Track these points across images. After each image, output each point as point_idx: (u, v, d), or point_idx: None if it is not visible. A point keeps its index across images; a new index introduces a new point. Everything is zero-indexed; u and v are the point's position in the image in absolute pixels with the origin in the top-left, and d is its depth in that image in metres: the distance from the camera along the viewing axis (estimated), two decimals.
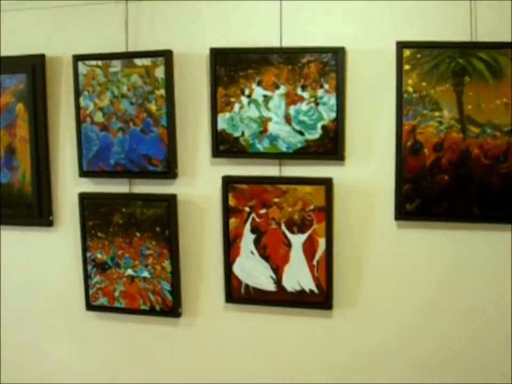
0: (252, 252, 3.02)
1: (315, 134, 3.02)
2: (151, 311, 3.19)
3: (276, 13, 3.07)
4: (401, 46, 2.91)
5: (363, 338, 3.19)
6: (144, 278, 3.12)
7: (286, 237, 3.13)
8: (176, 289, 3.12)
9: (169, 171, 2.98)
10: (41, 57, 3.08)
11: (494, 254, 3.02)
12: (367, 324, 3.18)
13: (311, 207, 3.04)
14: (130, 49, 3.05)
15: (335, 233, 3.08)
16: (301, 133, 3.02)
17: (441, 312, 3.10)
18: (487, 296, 3.05)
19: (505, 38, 2.85)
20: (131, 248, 3.07)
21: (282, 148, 3.05)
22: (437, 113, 2.89)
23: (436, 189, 2.94)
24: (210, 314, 3.13)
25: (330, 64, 2.96)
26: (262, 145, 2.99)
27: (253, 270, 3.04)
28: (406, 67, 2.87)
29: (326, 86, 2.95)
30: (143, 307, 3.18)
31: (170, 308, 3.14)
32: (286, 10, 3.07)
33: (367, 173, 3.07)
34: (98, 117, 3.07)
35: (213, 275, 3.08)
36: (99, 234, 3.13)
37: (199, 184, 3.06)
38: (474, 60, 2.83)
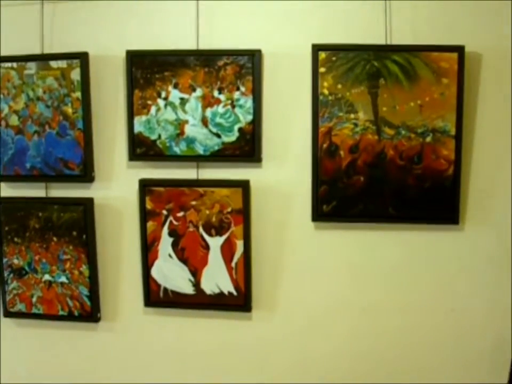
0: (170, 255, 3.02)
1: (232, 137, 3.00)
2: (70, 317, 3.12)
3: (193, 15, 3.05)
4: (316, 48, 2.91)
5: (282, 339, 3.20)
6: (62, 283, 3.07)
7: (204, 240, 3.11)
8: (94, 294, 3.07)
9: (86, 175, 2.94)
10: None
11: (409, 254, 3.07)
12: (286, 325, 3.19)
13: (229, 209, 3.02)
14: (46, 51, 2.99)
15: (252, 235, 3.07)
16: (218, 136, 3.00)
17: (358, 312, 3.13)
18: (402, 295, 3.12)
19: (420, 41, 2.91)
20: (48, 253, 3.03)
21: (199, 150, 3.04)
22: (352, 115, 2.89)
23: (352, 190, 2.95)
24: (129, 319, 3.09)
25: (246, 66, 2.94)
26: (179, 148, 2.99)
27: (171, 273, 3.02)
28: (322, 70, 2.88)
29: (243, 89, 2.93)
30: (61, 312, 3.11)
31: (89, 312, 3.09)
32: (203, 13, 3.05)
33: (284, 175, 3.06)
34: (14, 120, 3.02)
35: (131, 279, 3.04)
36: (15, 239, 3.09)
37: (116, 188, 3.01)
38: (389, 62, 2.84)
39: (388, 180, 2.91)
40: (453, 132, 2.88)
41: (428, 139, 2.87)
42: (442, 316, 3.07)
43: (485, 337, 3.04)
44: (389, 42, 2.90)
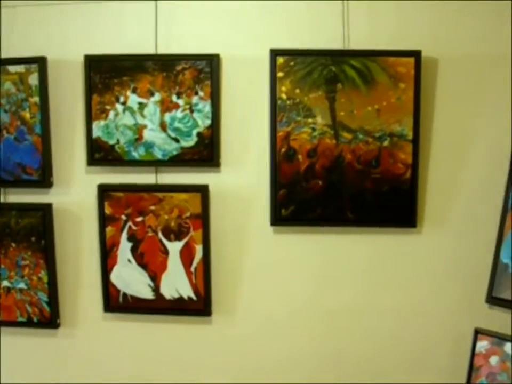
0: (129, 260, 3.00)
1: (190, 141, 3.00)
2: (29, 323, 3.08)
3: (152, 19, 3.05)
4: (274, 53, 2.92)
5: (242, 343, 3.21)
6: (21, 290, 3.03)
7: (163, 245, 3.10)
8: (53, 300, 3.03)
9: (44, 180, 2.92)
10: None
11: (368, 258, 3.09)
12: (246, 329, 3.19)
13: (188, 214, 3.02)
14: (3, 55, 2.93)
15: (212, 239, 3.07)
16: (177, 140, 2.99)
17: (318, 315, 3.15)
18: (362, 299, 3.14)
19: (377, 46, 2.93)
20: (6, 259, 3.00)
21: (158, 155, 3.03)
22: (310, 120, 2.90)
23: (310, 194, 2.95)
24: (89, 324, 3.05)
25: (205, 71, 2.95)
26: (138, 153, 2.97)
27: (130, 278, 2.99)
28: (280, 74, 2.89)
29: (201, 93, 2.94)
30: (20, 319, 3.07)
31: (48, 319, 3.06)
32: (161, 17, 3.06)
33: (242, 179, 3.07)
34: None
35: (90, 284, 3.01)
36: None
37: (74, 193, 2.98)
38: (346, 67, 2.86)
39: (345, 184, 2.92)
40: (410, 136, 2.89)
41: (386, 143, 2.87)
42: (403, 318, 3.11)
43: (446, 338, 3.08)
44: (346, 47, 2.92)
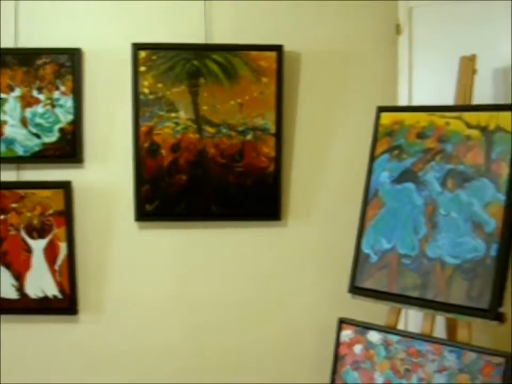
0: None
1: (52, 137, 2.94)
2: None
3: (11, 12, 2.95)
4: (136, 47, 2.89)
5: (110, 340, 3.15)
6: None
7: (26, 243, 3.01)
8: None
9: None
10: None
11: (234, 251, 3.11)
12: (114, 326, 3.14)
13: (51, 211, 2.95)
14: None
15: (76, 237, 3.01)
16: (38, 136, 2.93)
17: (186, 309, 3.15)
18: (230, 291, 3.17)
19: (240, 41, 2.94)
20: None
21: (19, 151, 2.96)
22: (173, 114, 2.89)
23: (175, 189, 2.94)
24: None
25: (66, 65, 2.89)
26: None
27: None
28: (142, 68, 2.86)
29: (63, 88, 2.88)
30: None
31: None
32: (22, 10, 2.98)
33: (106, 175, 3.02)
34: None
35: None
36: None
37: None
38: (209, 61, 2.85)
39: (209, 178, 2.93)
40: (273, 129, 2.90)
41: (249, 137, 2.88)
42: (270, 309, 3.14)
43: (311, 329, 3.14)
44: (209, 42, 2.88)
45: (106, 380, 3.07)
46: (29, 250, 3.02)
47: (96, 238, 3.05)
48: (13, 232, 3.02)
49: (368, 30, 2.90)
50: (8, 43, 2.95)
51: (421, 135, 2.37)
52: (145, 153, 2.92)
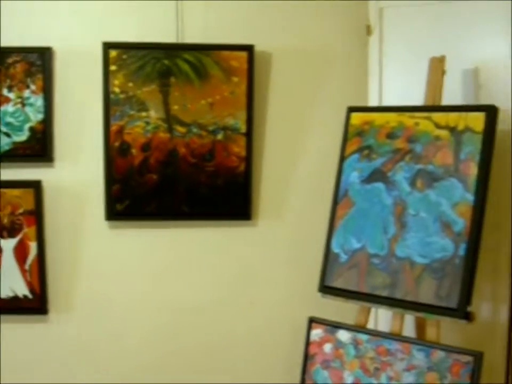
0: None
1: (22, 136, 2.91)
2: None
3: None
4: (107, 46, 2.87)
5: (81, 340, 3.13)
6: None
7: None
8: None
9: None
10: None
11: (205, 251, 3.12)
12: (85, 326, 3.12)
13: (21, 210, 2.93)
14: None
15: (46, 236, 2.99)
16: (8, 135, 2.91)
17: (157, 310, 3.14)
18: (201, 291, 3.18)
19: (211, 40, 2.95)
20: None
21: None
22: (144, 114, 2.88)
23: (145, 189, 2.93)
24: None
25: (36, 64, 2.86)
26: None
27: None
28: (113, 68, 2.84)
29: (33, 87, 2.86)
30: None
31: None
32: None
33: (77, 174, 3.01)
34: None
35: None
36: None
37: None
38: (179, 61, 2.84)
39: (180, 178, 2.91)
40: (243, 129, 2.91)
41: (219, 136, 2.88)
42: (241, 309, 3.14)
43: (282, 328, 3.14)
44: (180, 41, 2.86)
45: (76, 379, 3.07)
46: None
47: (67, 237, 3.03)
48: None
49: (338, 30, 2.89)
50: None
51: (390, 135, 2.37)
52: (115, 153, 2.88)
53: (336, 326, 2.38)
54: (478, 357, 2.06)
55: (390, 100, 2.80)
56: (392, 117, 2.38)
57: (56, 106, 2.99)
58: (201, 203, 2.96)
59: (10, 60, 2.91)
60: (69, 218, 3.03)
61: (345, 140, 2.50)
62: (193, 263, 3.07)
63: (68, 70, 2.97)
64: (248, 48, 2.90)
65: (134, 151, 2.89)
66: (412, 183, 2.27)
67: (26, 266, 2.99)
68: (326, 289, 2.42)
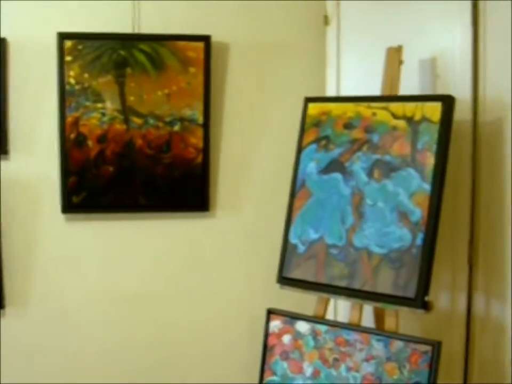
0: None
1: None
2: None
3: None
4: (62, 37, 2.82)
5: (37, 334, 3.10)
6: None
7: None
8: None
9: None
10: None
11: (163, 243, 3.11)
12: (41, 320, 3.07)
13: None
14: None
15: (1, 229, 2.93)
16: None
17: (114, 303, 3.11)
18: (159, 284, 3.17)
19: (168, 31, 2.92)
20: None
21: None
22: (99, 105, 2.82)
23: (101, 181, 2.89)
24: None
25: None
26: None
27: None
28: (68, 58, 2.79)
29: None
30: None
31: None
32: None
33: (32, 166, 2.96)
34: None
35: None
36: None
37: None
38: (135, 51, 2.79)
39: (137, 170, 2.88)
40: (200, 120, 2.88)
41: (176, 128, 2.84)
42: (199, 301, 3.15)
43: (241, 320, 3.15)
44: (137, 31, 2.79)
45: (32, 375, 3.06)
46: None
47: (22, 230, 2.98)
48: None
49: (296, 20, 2.88)
50: None
51: (348, 126, 2.35)
52: (71, 145, 2.85)
53: (294, 317, 2.36)
54: (436, 346, 2.06)
55: (347, 90, 2.79)
56: (349, 107, 2.37)
57: (10, 97, 2.92)
58: (158, 195, 2.91)
59: None
60: (24, 211, 2.97)
61: (302, 130, 2.47)
62: (150, 255, 3.04)
63: (22, 61, 2.90)
64: (205, 39, 2.89)
65: (90, 142, 2.83)
66: (369, 173, 2.26)
67: None
68: (284, 280, 2.39)
